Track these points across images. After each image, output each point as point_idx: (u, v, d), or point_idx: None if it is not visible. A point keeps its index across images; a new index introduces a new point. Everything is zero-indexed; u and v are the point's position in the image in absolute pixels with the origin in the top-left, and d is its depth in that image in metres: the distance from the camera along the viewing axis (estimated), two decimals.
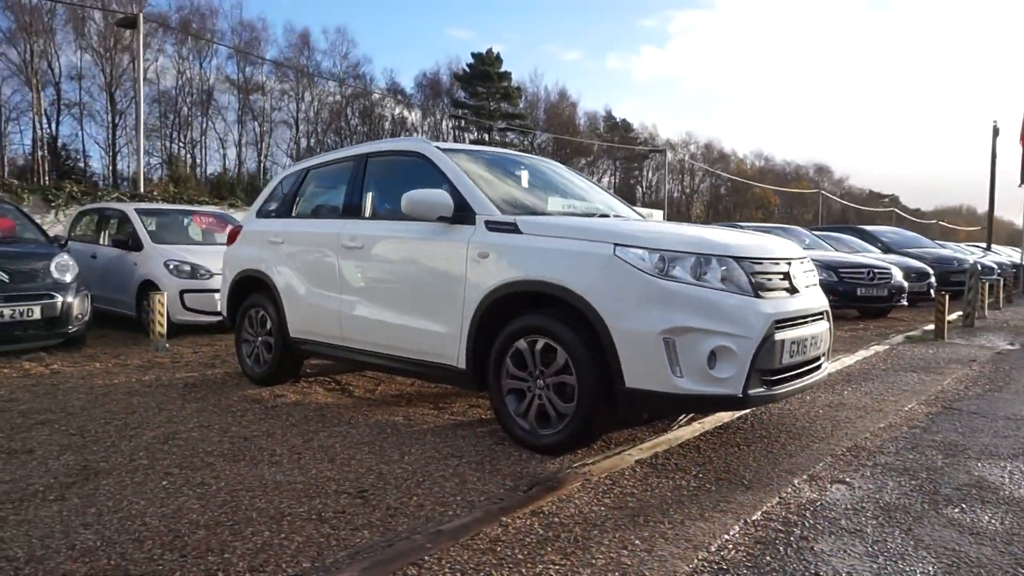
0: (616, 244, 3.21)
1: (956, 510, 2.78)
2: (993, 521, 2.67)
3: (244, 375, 5.38)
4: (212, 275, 7.65)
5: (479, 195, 3.84)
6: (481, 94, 50.28)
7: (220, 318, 7.06)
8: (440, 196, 3.79)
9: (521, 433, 3.49)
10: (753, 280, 3.20)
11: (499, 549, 2.35)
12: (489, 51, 53.89)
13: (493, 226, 3.66)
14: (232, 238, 5.65)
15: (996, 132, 28.20)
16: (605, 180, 75.94)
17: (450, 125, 57.04)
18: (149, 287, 7.59)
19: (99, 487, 2.99)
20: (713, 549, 2.38)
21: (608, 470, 3.16)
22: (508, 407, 3.55)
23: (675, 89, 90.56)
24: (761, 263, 3.30)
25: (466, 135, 56.78)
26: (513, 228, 3.58)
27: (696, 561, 2.28)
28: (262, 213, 5.49)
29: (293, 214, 5.22)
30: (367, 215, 4.57)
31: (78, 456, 3.43)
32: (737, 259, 3.21)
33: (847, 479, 3.13)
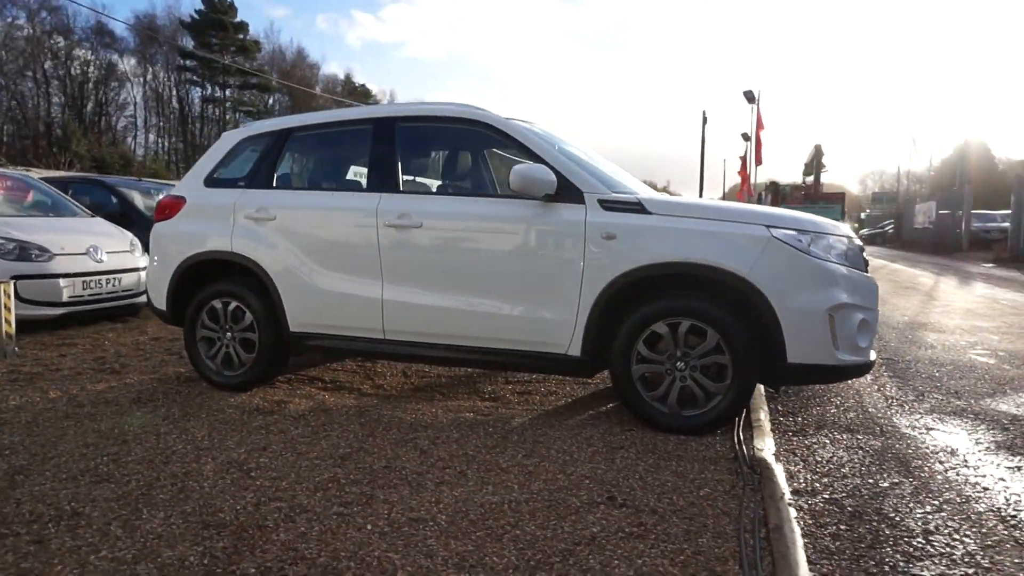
0: (769, 226, 3.32)
1: None
2: None
3: (207, 380, 4.42)
4: (52, 256, 6.04)
5: (580, 172, 3.65)
6: (214, 46, 44.84)
7: (61, 311, 5.73)
8: (545, 172, 3.52)
9: (659, 416, 3.47)
10: (863, 258, 3.57)
11: None
12: None
13: (611, 205, 3.52)
14: (167, 211, 4.54)
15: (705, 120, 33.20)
16: None
17: (174, 78, 50.12)
18: None
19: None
20: None
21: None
22: (641, 392, 3.50)
23: (391, 57, 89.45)
24: (854, 242, 3.67)
25: (197, 90, 50.61)
26: (639, 208, 3.48)
27: None
28: (214, 182, 4.49)
29: (276, 185, 4.36)
30: (407, 188, 4.03)
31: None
32: (849, 238, 3.54)
33: None
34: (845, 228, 3.60)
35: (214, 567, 2.16)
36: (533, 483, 2.82)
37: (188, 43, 49.23)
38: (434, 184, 4.35)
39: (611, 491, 2.72)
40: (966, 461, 3.14)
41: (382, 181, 3.98)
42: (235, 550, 2.28)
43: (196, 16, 48.57)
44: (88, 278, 6.27)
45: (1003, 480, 2.91)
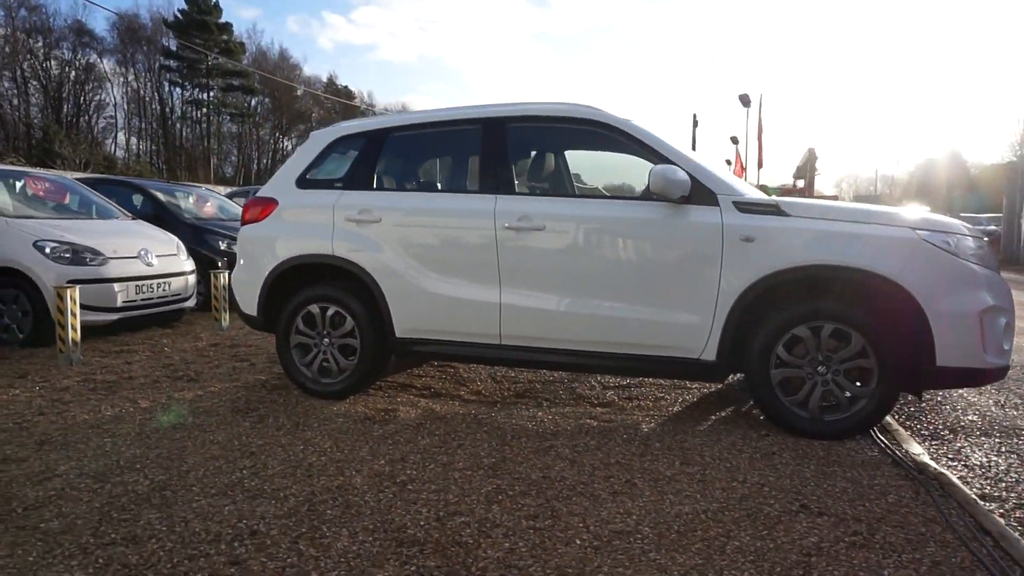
0: (915, 227, 3.29)
1: None
2: None
3: (301, 388, 4.28)
4: (106, 259, 5.85)
5: (711, 173, 3.59)
6: (197, 46, 44.03)
7: (116, 316, 5.56)
8: (679, 174, 3.45)
9: (799, 421, 3.42)
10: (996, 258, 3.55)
11: None
12: None
13: (748, 207, 3.47)
14: (256, 214, 4.39)
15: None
16: None
17: (155, 79, 49.14)
18: (11, 277, 5.55)
19: None
20: None
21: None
22: (780, 397, 3.44)
23: (364, 59, 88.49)
24: (986, 243, 3.65)
25: (178, 91, 49.71)
26: (776, 210, 3.43)
27: None
28: (307, 183, 4.35)
29: (376, 186, 4.23)
30: (524, 190, 3.94)
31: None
32: (983, 239, 3.52)
33: None
34: (976, 230, 3.58)
35: None
36: (712, 492, 2.75)
37: (171, 44, 48.29)
38: (547, 185, 4.25)
39: (799, 499, 2.66)
40: None
41: (496, 182, 3.88)
42: (451, 570, 2.17)
43: (179, 16, 47.73)
44: (140, 282, 6.07)
45: None
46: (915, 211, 3.60)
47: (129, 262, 6.04)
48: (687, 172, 3.50)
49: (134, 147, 50.02)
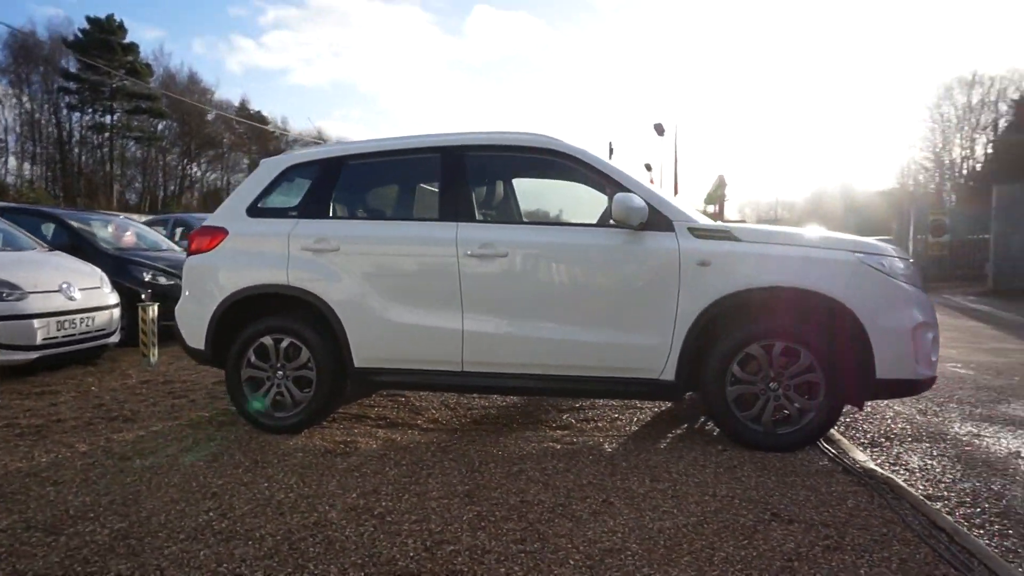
0: (855, 252, 3.56)
1: None
2: None
3: (253, 423, 4.14)
4: (24, 294, 5.49)
5: (666, 201, 3.78)
6: (99, 68, 41.79)
7: (36, 355, 5.26)
8: (639, 202, 3.61)
9: (753, 435, 3.60)
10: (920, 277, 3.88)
11: None
12: (110, 17, 45.33)
13: (702, 233, 3.66)
14: (203, 244, 4.25)
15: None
16: (240, 176, 70.70)
17: (52, 101, 46.28)
18: None
19: None
20: None
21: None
22: (735, 413, 3.62)
23: (275, 83, 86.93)
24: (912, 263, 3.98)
25: (77, 114, 46.96)
26: (729, 236, 3.64)
27: None
28: (258, 212, 4.25)
29: (332, 214, 4.19)
30: (492, 217, 4.01)
31: None
32: (909, 260, 3.84)
33: None
34: (903, 251, 3.91)
35: None
36: (687, 506, 2.85)
37: (71, 65, 45.72)
38: (506, 213, 4.33)
39: (769, 508, 2.80)
40: None
41: (456, 210, 3.93)
42: None
43: (81, 35, 45.33)
44: (62, 318, 5.71)
45: None
46: (850, 237, 3.87)
47: (50, 296, 5.68)
48: (644, 200, 3.66)
49: (27, 172, 46.90)
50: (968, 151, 52.76)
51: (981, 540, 2.49)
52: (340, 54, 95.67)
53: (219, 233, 4.22)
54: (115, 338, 6.43)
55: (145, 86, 46.25)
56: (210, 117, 60.60)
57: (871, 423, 4.29)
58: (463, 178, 3.98)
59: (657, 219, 3.68)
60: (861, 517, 2.71)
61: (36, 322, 5.47)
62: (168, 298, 6.99)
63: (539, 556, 2.44)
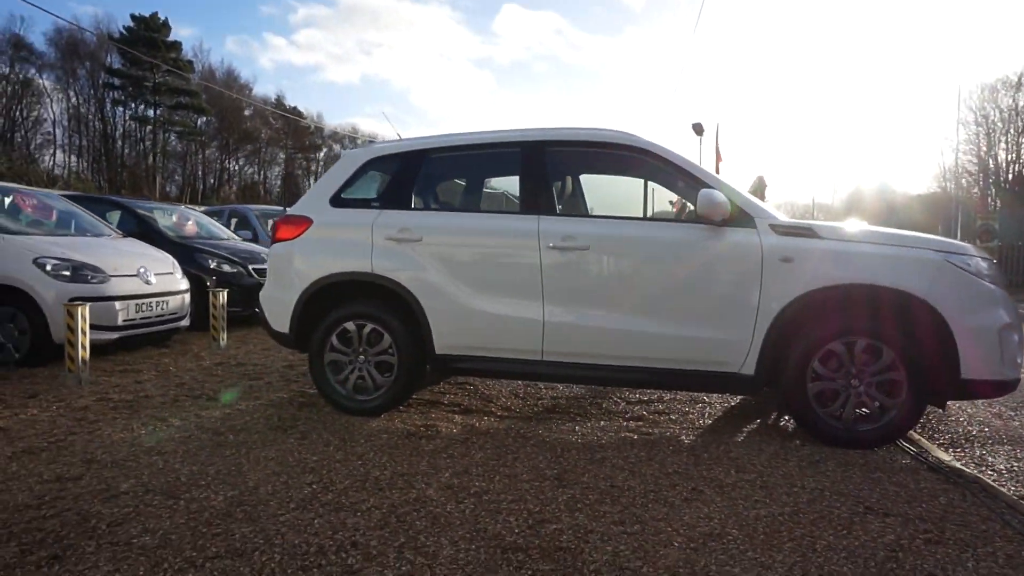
0: (940, 251, 3.57)
1: None
2: None
3: (334, 405, 4.27)
4: (107, 277, 5.72)
5: (748, 198, 3.82)
6: (144, 64, 42.80)
7: (117, 335, 5.46)
8: (721, 197, 3.66)
9: (833, 431, 3.62)
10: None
11: None
12: (155, 15, 46.39)
13: (784, 230, 3.69)
14: (289, 232, 4.39)
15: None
16: (276, 170, 71.95)
17: (98, 96, 47.53)
18: (8, 295, 5.37)
19: None
20: None
21: None
22: (816, 409, 3.64)
23: (307, 80, 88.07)
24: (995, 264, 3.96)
25: (121, 109, 48.15)
26: (811, 233, 3.67)
27: None
28: (342, 202, 4.39)
29: (414, 205, 4.31)
30: (566, 211, 4.11)
31: None
32: (993, 262, 3.83)
33: None
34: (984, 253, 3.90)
35: None
36: (778, 496, 2.90)
37: (114, 61, 46.89)
38: (580, 207, 4.41)
39: (861, 502, 2.84)
40: None
41: (537, 203, 4.01)
42: (566, 572, 2.25)
43: (125, 32, 46.49)
44: (140, 300, 5.93)
45: None
46: (936, 237, 3.87)
47: (129, 280, 5.91)
48: (729, 197, 3.71)
49: (73, 164, 48.26)
50: (1014, 155, 51.37)
51: None
52: (371, 52, 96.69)
53: (304, 222, 4.37)
54: (186, 322, 6.65)
55: (186, 81, 47.24)
56: (248, 112, 61.76)
57: (946, 424, 4.27)
58: (543, 172, 4.07)
59: (740, 216, 3.72)
60: (957, 513, 2.73)
61: (118, 304, 5.69)
62: (232, 285, 7.23)
63: (641, 537, 2.51)
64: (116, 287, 5.73)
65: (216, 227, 9.40)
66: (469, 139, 4.34)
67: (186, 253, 7.65)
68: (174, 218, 8.71)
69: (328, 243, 4.29)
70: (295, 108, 69.96)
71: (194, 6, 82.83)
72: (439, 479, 3.12)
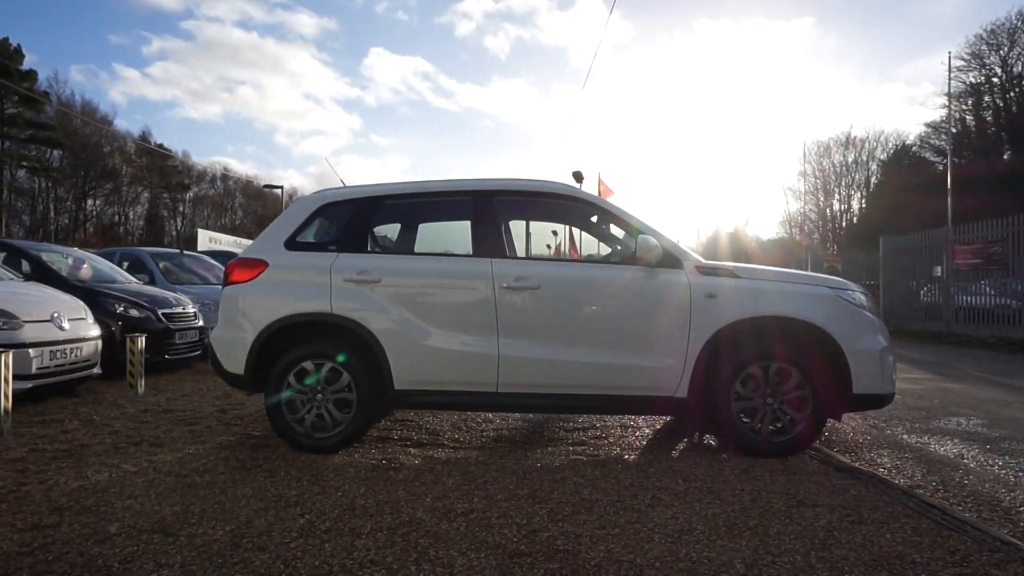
0: (830, 287, 4.29)
1: None
2: None
3: (291, 443, 4.36)
4: (21, 323, 5.46)
5: (674, 243, 4.39)
6: None
7: (31, 384, 5.28)
8: (655, 242, 4.21)
9: (754, 443, 4.19)
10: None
11: None
12: (6, 40, 42.89)
13: (707, 270, 4.29)
14: (244, 274, 4.49)
15: None
16: (139, 210, 67.71)
17: None
18: None
19: None
20: None
21: None
22: (739, 424, 4.21)
23: (163, 116, 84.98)
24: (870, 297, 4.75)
25: None
26: (730, 273, 4.29)
27: None
28: (297, 245, 4.55)
29: (371, 248, 4.55)
30: (517, 255, 4.49)
31: None
32: (868, 295, 4.61)
33: None
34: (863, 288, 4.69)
35: None
36: (725, 498, 3.38)
37: None
38: (530, 251, 4.81)
39: (794, 497, 3.37)
40: (973, 457, 4.25)
41: (489, 247, 4.38)
42: (573, 568, 2.57)
43: None
44: (55, 347, 5.67)
45: (1010, 465, 4.02)
46: (825, 276, 4.62)
47: (43, 326, 5.64)
48: (659, 242, 4.26)
49: None
50: (846, 205, 57.91)
51: (965, 513, 3.14)
52: (233, 90, 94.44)
53: (259, 264, 4.48)
54: (98, 369, 6.37)
55: (37, 113, 43.77)
56: (107, 149, 57.98)
57: (838, 436, 4.99)
58: (494, 219, 4.46)
59: (669, 258, 4.27)
60: (867, 500, 3.32)
61: (32, 351, 5.42)
62: (139, 330, 6.99)
63: (624, 537, 2.88)
64: (30, 333, 5.45)
65: (115, 270, 8.99)
66: (422, 188, 4.66)
67: (90, 298, 7.29)
68: (70, 261, 8.27)
69: (286, 285, 4.42)
70: (161, 145, 66.58)
71: (33, 30, 77.25)
72: (423, 503, 3.34)
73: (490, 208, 4.47)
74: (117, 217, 64.68)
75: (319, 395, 4.34)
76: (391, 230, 4.75)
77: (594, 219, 4.64)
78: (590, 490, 3.55)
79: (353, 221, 4.57)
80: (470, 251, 4.43)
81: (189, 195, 73.47)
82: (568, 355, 4.23)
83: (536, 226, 5.61)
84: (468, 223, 4.51)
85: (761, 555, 2.67)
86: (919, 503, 3.27)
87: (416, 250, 4.91)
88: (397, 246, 4.78)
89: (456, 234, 4.76)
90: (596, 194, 22.85)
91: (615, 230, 4.77)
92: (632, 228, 4.37)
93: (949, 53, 28.18)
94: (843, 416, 5.24)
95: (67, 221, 56.16)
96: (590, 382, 4.24)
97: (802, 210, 56.04)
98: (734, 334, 4.18)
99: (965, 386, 7.84)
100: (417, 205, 4.70)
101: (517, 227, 5.26)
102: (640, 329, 4.23)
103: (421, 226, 4.86)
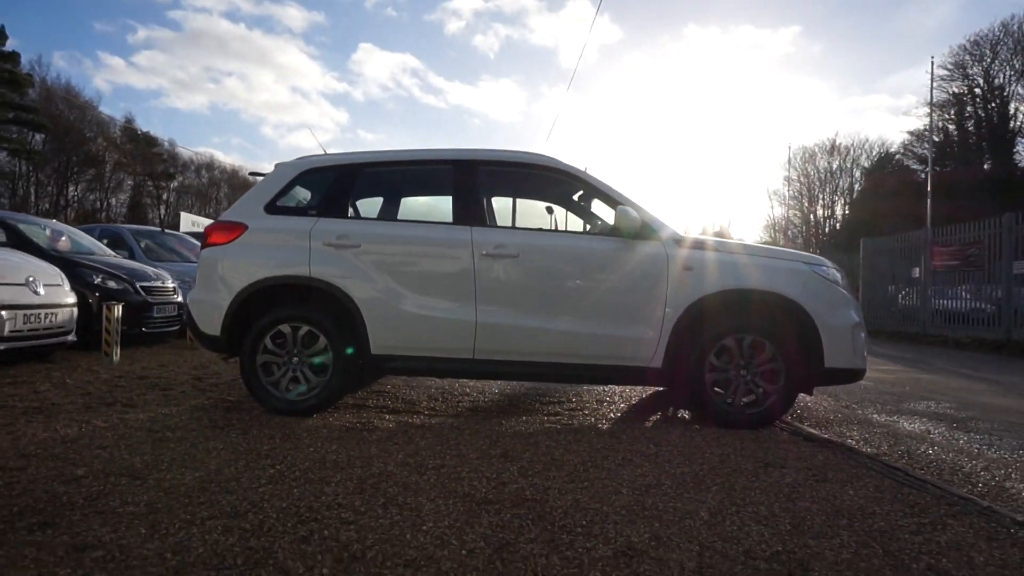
0: (806, 263, 4.34)
1: None
2: None
3: (265, 406, 4.35)
4: None
5: (653, 216, 4.43)
6: None
7: (3, 347, 5.25)
8: (635, 214, 4.24)
9: (727, 413, 4.23)
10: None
11: None
12: None
13: (684, 243, 4.33)
14: (222, 237, 4.47)
15: None
16: (122, 197, 67.04)
17: None
18: None
19: None
20: None
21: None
22: (712, 395, 4.25)
23: (148, 105, 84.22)
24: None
25: None
26: (706, 246, 4.33)
27: None
28: (277, 209, 4.54)
29: (352, 214, 4.54)
30: (498, 223, 4.50)
31: None
32: (842, 272, 4.67)
33: None
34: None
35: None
36: (695, 459, 3.42)
37: None
38: (508, 221, 4.83)
39: (762, 459, 3.42)
40: (940, 433, 4.32)
41: (469, 216, 4.40)
42: (539, 514, 2.60)
43: None
44: (28, 311, 5.61)
45: (974, 440, 4.09)
46: (801, 252, 4.67)
47: (17, 289, 5.58)
48: (639, 214, 4.29)
49: None
50: (829, 211, 58.47)
51: (926, 476, 3.20)
52: (219, 81, 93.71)
53: (238, 227, 4.46)
54: (73, 336, 6.30)
55: (20, 95, 43.16)
56: (90, 134, 57.22)
57: (810, 413, 5.06)
58: (475, 188, 4.47)
59: (647, 231, 4.31)
60: (832, 464, 3.37)
61: (5, 313, 5.35)
62: (117, 302, 6.94)
63: (593, 490, 2.90)
64: (4, 296, 5.39)
65: (94, 243, 8.90)
66: (405, 156, 4.66)
67: (67, 267, 7.21)
68: (47, 231, 8.18)
69: (265, 248, 4.41)
70: (147, 133, 65.91)
71: (15, 14, 76.04)
72: (394, 459, 3.35)
73: (471, 177, 4.49)
74: (99, 203, 63.91)
75: (295, 358, 4.33)
76: (374, 196, 4.74)
77: (577, 194, 4.66)
78: (562, 451, 3.58)
79: (334, 187, 4.56)
80: (451, 219, 4.44)
81: (174, 184, 72.73)
82: (545, 323, 4.25)
83: (526, 204, 5.62)
84: (450, 192, 4.52)
85: (726, 506, 2.71)
86: (883, 466, 3.33)
87: (399, 216, 4.91)
88: (379, 211, 4.77)
89: (437, 202, 4.77)
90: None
91: (597, 211, 4.80)
92: (612, 201, 4.39)
93: (932, 59, 28.56)
94: (815, 396, 5.33)
95: (48, 206, 55.33)
96: (566, 350, 4.26)
97: (786, 215, 56.61)
98: (710, 306, 4.22)
99: (937, 377, 7.96)
100: (398, 173, 4.70)
101: (504, 205, 5.27)
102: (617, 299, 4.26)
103: (405, 193, 4.86)
